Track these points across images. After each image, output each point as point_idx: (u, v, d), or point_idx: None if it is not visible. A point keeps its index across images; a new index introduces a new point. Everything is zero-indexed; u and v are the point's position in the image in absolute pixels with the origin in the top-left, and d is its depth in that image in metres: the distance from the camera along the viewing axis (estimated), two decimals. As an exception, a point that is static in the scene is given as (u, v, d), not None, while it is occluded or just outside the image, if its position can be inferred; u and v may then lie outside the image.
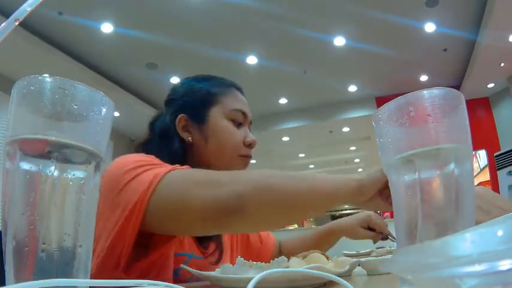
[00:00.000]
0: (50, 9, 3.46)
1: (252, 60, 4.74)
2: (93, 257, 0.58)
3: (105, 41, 4.13)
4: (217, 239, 0.87)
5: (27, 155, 0.29)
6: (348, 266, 0.61)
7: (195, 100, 0.81)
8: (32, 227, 0.28)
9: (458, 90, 0.43)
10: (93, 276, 0.35)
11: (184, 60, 4.55)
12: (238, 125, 0.82)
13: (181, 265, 0.62)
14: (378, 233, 0.99)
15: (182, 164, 0.62)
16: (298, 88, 5.56)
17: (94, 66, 4.59)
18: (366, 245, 1.27)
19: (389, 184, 0.37)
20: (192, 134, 0.80)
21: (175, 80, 4.94)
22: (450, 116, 0.34)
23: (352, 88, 5.68)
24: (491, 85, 5.31)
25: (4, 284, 0.27)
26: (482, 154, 5.37)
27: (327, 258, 0.63)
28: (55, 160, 0.29)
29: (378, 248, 1.39)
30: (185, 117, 0.80)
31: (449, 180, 0.33)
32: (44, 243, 0.28)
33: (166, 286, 0.32)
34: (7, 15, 0.63)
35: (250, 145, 0.81)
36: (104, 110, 0.33)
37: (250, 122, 0.86)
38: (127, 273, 0.57)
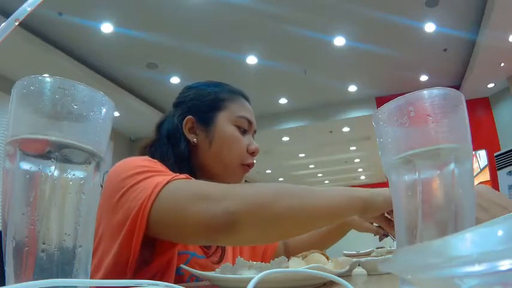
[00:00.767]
0: (50, 9, 3.46)
1: (252, 60, 4.74)
2: (93, 258, 0.59)
3: (105, 41, 4.13)
4: None
5: (27, 155, 0.29)
6: (348, 266, 0.61)
7: (204, 104, 0.84)
8: (32, 227, 0.28)
9: (458, 90, 0.43)
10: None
11: (184, 60, 4.54)
12: (243, 132, 0.84)
13: (182, 265, 0.63)
14: (379, 228, 1.00)
15: (185, 165, 0.62)
16: (298, 88, 5.56)
17: (94, 66, 4.59)
18: (366, 245, 1.27)
19: (389, 184, 0.37)
20: (197, 136, 0.82)
21: (175, 80, 4.92)
22: (450, 116, 0.34)
23: (352, 88, 5.67)
24: (491, 85, 5.31)
25: (4, 284, 0.27)
26: (482, 154, 5.38)
27: (327, 258, 0.63)
28: (55, 160, 0.29)
29: (377, 248, 1.39)
30: (192, 119, 0.82)
31: (450, 181, 0.33)
32: (44, 243, 0.28)
33: (166, 286, 0.32)
34: (7, 15, 0.64)
35: (253, 153, 0.83)
36: (104, 110, 0.33)
37: (255, 131, 0.88)
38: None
